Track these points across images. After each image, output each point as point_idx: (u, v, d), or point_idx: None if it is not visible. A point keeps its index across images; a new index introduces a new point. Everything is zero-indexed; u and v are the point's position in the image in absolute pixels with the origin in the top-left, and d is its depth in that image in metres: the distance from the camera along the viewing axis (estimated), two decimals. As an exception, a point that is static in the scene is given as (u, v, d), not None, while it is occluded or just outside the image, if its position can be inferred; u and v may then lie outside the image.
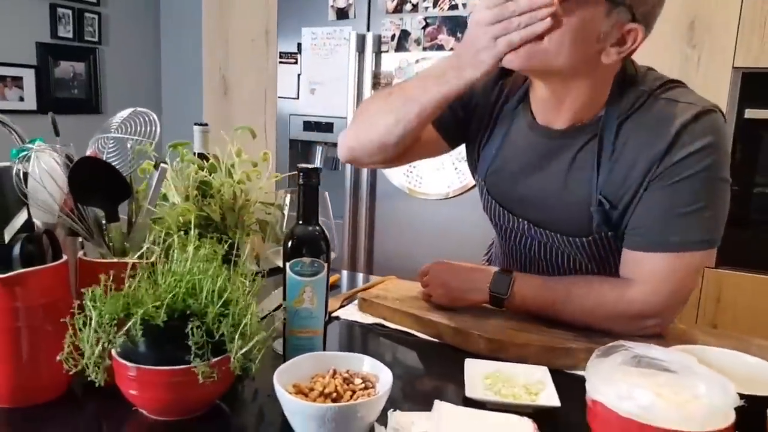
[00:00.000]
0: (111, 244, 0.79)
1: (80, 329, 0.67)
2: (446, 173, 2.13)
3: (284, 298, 0.77)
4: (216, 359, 0.67)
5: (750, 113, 1.82)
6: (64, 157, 0.77)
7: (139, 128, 0.84)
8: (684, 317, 1.71)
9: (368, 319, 1.07)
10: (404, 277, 1.27)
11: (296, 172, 0.76)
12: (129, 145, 0.82)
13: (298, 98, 2.41)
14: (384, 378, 0.69)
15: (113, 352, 0.68)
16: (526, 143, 1.02)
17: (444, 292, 1.05)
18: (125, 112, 0.87)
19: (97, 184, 0.75)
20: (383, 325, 1.05)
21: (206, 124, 1.17)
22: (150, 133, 0.83)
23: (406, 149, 1.06)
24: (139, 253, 0.74)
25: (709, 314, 1.88)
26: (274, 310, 0.99)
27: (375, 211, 2.33)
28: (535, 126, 1.01)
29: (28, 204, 0.76)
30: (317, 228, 0.77)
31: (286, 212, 0.90)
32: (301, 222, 0.77)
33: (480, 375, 0.82)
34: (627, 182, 0.92)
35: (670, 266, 0.92)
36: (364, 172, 2.32)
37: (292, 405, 0.64)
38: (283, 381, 0.66)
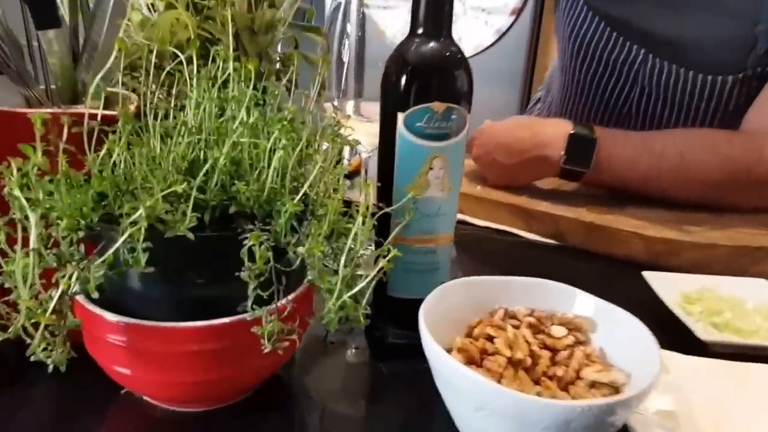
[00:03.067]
0: (49, 79, 0.41)
1: None
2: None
3: (379, 180, 0.43)
4: (279, 302, 0.33)
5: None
6: None
7: None
8: None
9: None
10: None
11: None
12: None
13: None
14: (623, 324, 0.37)
15: (79, 297, 0.33)
16: None
17: (499, 170, 0.74)
18: None
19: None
20: (464, 222, 0.73)
21: None
22: None
23: None
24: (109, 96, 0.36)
25: None
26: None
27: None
28: None
29: None
30: (452, 46, 0.41)
31: (353, 34, 0.53)
32: (420, 34, 0.40)
33: (676, 296, 0.52)
34: None
35: None
36: None
37: (487, 393, 0.31)
38: (433, 334, 0.34)
